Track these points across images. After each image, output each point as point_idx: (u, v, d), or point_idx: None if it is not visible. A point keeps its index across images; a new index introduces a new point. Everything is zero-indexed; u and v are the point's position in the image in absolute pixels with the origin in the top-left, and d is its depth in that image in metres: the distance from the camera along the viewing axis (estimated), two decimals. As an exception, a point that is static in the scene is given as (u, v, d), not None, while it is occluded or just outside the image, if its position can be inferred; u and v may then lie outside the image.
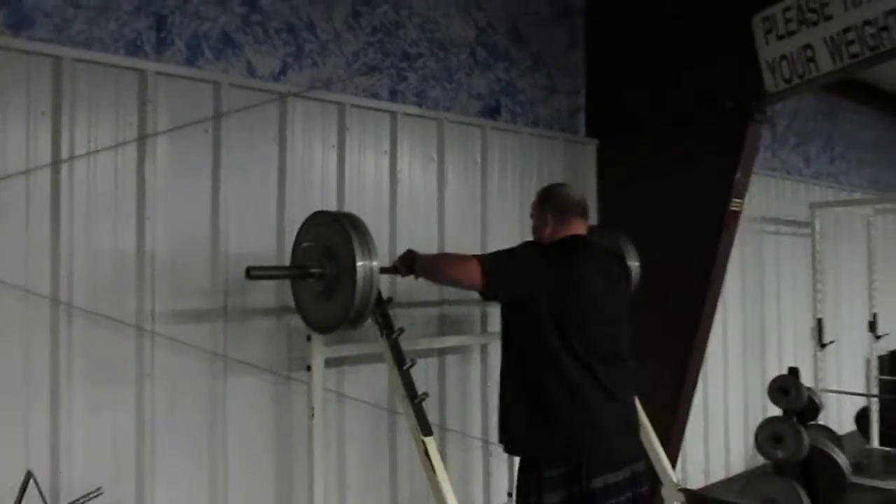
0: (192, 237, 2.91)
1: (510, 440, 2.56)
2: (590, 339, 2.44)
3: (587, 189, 4.44)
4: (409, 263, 2.69)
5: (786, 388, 4.43)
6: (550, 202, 2.68)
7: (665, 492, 3.01)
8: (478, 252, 2.89)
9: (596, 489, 2.35)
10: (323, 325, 2.54)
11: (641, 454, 2.66)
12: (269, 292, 3.10)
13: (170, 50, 2.92)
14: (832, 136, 6.96)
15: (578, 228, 2.65)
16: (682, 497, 2.96)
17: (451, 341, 3.61)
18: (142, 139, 2.77)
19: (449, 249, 3.69)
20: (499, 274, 2.43)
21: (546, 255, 2.51)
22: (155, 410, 2.77)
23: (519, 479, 2.50)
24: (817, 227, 5.82)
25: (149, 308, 2.77)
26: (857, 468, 5.30)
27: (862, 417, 6.29)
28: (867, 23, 3.29)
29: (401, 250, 3.39)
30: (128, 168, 2.75)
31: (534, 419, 2.45)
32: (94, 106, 2.68)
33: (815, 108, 6.69)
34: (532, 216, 2.76)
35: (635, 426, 2.66)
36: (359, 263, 2.33)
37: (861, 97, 7.12)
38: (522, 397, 2.50)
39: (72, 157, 2.62)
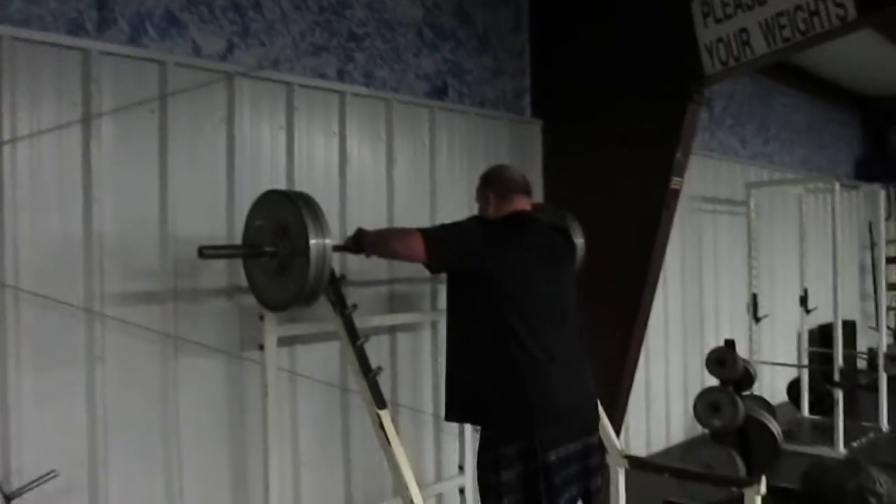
0: (140, 219, 2.89)
1: (456, 408, 2.62)
2: (538, 306, 2.51)
3: (532, 169, 4.53)
4: (358, 241, 2.73)
5: (722, 359, 4.62)
6: (492, 183, 2.77)
7: (610, 459, 3.12)
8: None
9: (550, 463, 2.39)
10: (277, 304, 2.57)
11: (596, 427, 2.69)
12: (219, 273, 3.09)
13: (112, 29, 2.87)
14: (766, 119, 7.21)
15: (521, 205, 2.74)
16: (626, 463, 3.09)
17: (401, 318, 3.66)
18: (86, 120, 2.73)
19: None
20: (442, 244, 2.50)
21: (490, 226, 2.60)
22: (106, 393, 2.76)
23: (479, 458, 2.52)
24: (752, 205, 6.04)
25: (98, 291, 2.74)
26: (789, 435, 5.57)
27: (793, 388, 6.60)
28: (798, 8, 3.43)
29: (351, 229, 3.42)
30: (73, 149, 2.71)
31: (485, 388, 2.48)
32: (36, 86, 2.63)
33: (751, 91, 6.92)
34: (477, 199, 2.84)
35: (591, 396, 2.67)
36: (312, 241, 2.36)
37: (793, 81, 7.39)
38: (469, 365, 2.54)
39: (14, 139, 2.56)
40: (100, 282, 2.76)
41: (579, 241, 3.41)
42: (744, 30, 3.64)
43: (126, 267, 2.84)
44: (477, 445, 2.57)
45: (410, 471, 2.43)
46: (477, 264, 2.49)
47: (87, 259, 2.74)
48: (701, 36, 3.78)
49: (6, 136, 2.55)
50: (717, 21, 3.72)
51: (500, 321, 2.46)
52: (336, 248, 2.62)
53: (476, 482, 2.59)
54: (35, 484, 2.22)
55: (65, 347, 2.68)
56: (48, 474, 2.25)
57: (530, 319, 2.48)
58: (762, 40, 3.58)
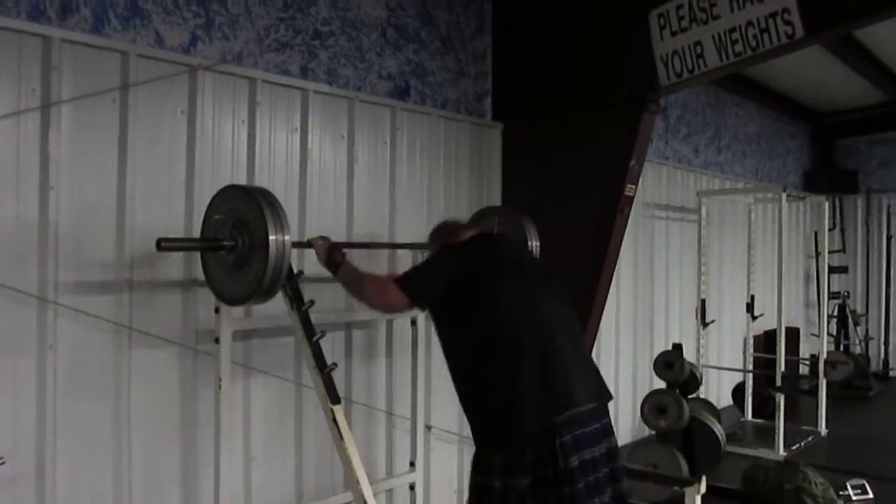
0: (97, 208, 2.87)
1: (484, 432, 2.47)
2: (535, 312, 2.48)
3: (491, 171, 4.62)
4: (331, 262, 2.77)
5: (670, 362, 4.75)
6: (440, 233, 2.97)
7: (558, 457, 3.20)
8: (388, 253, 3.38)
9: (572, 468, 2.31)
10: (233, 298, 2.59)
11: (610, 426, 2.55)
12: (176, 265, 3.09)
13: (74, 17, 2.85)
14: (719, 129, 7.41)
15: (475, 231, 2.90)
16: (573, 461, 3.16)
17: (357, 315, 3.69)
18: (45, 107, 2.71)
19: (358, 227, 3.78)
20: (423, 283, 2.54)
21: (461, 247, 2.69)
22: (57, 382, 2.74)
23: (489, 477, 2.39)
24: (703, 213, 6.21)
25: (52, 279, 2.73)
26: (732, 438, 5.74)
27: (737, 392, 6.80)
28: (750, 24, 3.54)
29: (311, 225, 3.49)
30: (30, 136, 2.69)
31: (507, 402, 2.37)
32: (-5, 71, 2.61)
33: (704, 102, 7.10)
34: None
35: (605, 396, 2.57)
36: (271, 237, 2.39)
37: (746, 92, 7.61)
38: (489, 388, 2.43)
39: (-30, 123, 2.54)
40: (54, 270, 2.74)
41: (535, 244, 3.50)
42: (698, 43, 3.74)
43: (81, 256, 2.83)
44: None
45: (361, 466, 2.47)
46: (466, 282, 2.48)
47: (41, 247, 2.71)
48: (657, 48, 3.88)
49: (-39, 122, 2.53)
50: (673, 34, 3.82)
51: (504, 330, 2.41)
52: (296, 245, 2.66)
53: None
54: (-18, 471, 2.21)
55: (16, 334, 2.66)
56: (-3, 462, 2.24)
57: (533, 326, 2.43)
58: (715, 54, 3.69)
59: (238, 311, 2.90)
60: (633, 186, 4.11)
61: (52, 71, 2.72)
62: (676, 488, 2.99)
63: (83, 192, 2.83)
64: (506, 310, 2.45)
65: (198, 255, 2.82)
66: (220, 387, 2.86)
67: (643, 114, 3.99)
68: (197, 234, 2.80)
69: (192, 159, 3.16)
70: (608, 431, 2.48)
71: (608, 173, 4.10)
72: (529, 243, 3.50)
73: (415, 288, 2.52)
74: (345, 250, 2.86)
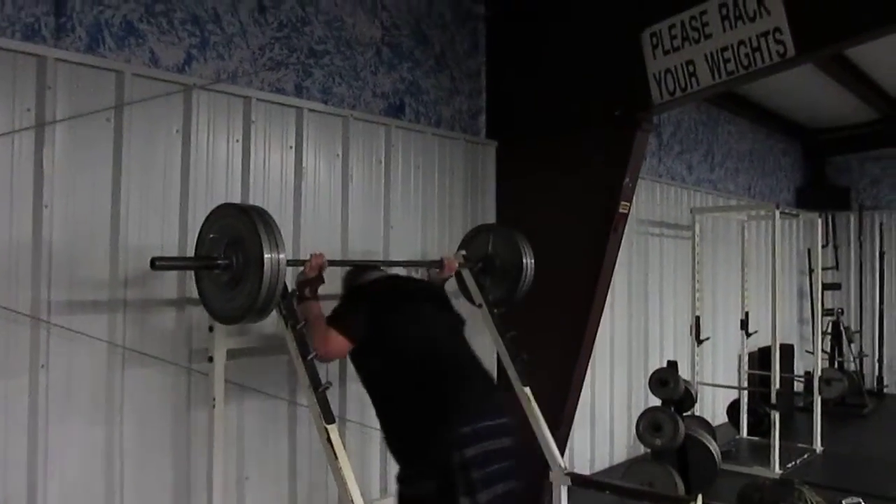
0: (91, 227, 2.87)
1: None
2: (435, 341, 2.82)
3: (486, 188, 4.63)
4: (301, 292, 2.83)
5: (665, 380, 4.74)
6: (346, 283, 3.22)
7: (553, 476, 3.19)
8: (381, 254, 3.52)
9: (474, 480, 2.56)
10: (228, 316, 2.57)
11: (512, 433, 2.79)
12: (170, 284, 3.09)
13: (70, 37, 2.86)
14: (712, 146, 7.45)
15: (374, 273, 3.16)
16: (568, 480, 3.15)
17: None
18: (40, 126, 2.71)
19: (353, 245, 3.79)
20: (349, 322, 2.75)
21: (365, 288, 2.99)
22: (49, 402, 2.72)
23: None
24: (697, 230, 6.23)
25: (45, 298, 2.72)
26: (727, 455, 5.73)
27: (732, 409, 6.78)
28: (741, 43, 3.58)
29: (305, 243, 3.50)
30: (25, 155, 2.69)
31: (414, 425, 2.69)
32: (-11, 91, 2.61)
33: (697, 119, 7.15)
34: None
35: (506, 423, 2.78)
36: (266, 256, 2.38)
37: (738, 110, 7.67)
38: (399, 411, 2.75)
39: (-36, 142, 2.54)
40: (47, 289, 2.73)
41: (530, 261, 3.50)
42: (690, 62, 3.78)
43: (75, 275, 2.82)
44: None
45: (356, 485, 2.45)
46: (377, 319, 2.77)
47: (35, 265, 2.71)
48: (650, 66, 3.91)
49: (-44, 141, 2.53)
50: (666, 52, 3.86)
51: (410, 363, 2.73)
52: (292, 263, 2.66)
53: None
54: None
55: (8, 353, 2.64)
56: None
57: (433, 358, 2.76)
58: (707, 72, 3.72)
59: (232, 329, 2.88)
60: (627, 204, 4.13)
61: (47, 90, 2.73)
62: (672, 507, 2.98)
63: (77, 211, 2.83)
64: (410, 344, 2.76)
65: (192, 273, 2.81)
66: (213, 406, 2.84)
67: (636, 132, 4.02)
68: (191, 252, 2.79)
69: (187, 178, 3.16)
70: (507, 430, 2.74)
71: (602, 191, 4.11)
72: (524, 261, 3.50)
73: (347, 326, 2.74)
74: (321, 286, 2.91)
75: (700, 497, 2.82)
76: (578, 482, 3.16)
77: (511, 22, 4.65)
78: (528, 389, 3.32)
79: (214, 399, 2.84)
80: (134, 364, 2.96)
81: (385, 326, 2.77)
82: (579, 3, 4.25)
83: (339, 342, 2.73)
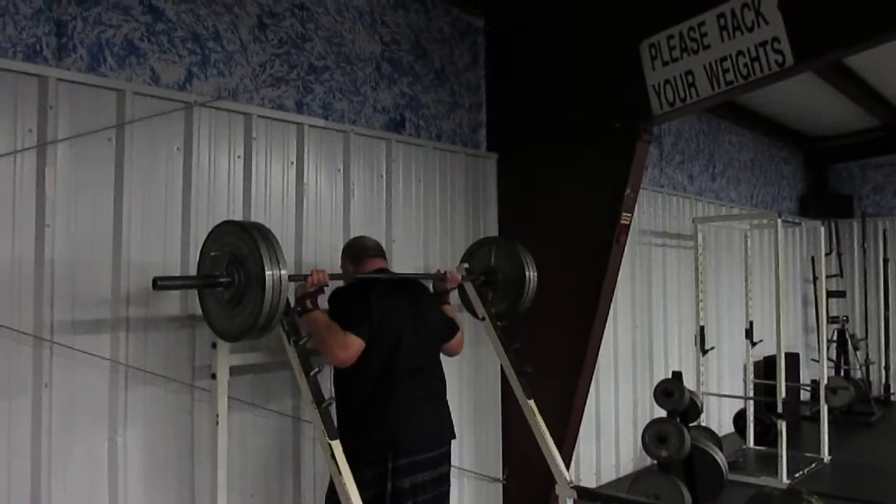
0: (93, 246, 2.87)
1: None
2: (398, 355, 2.85)
3: (487, 201, 4.63)
4: (302, 304, 2.84)
5: (669, 390, 4.72)
6: (348, 251, 3.19)
7: (559, 489, 3.18)
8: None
9: (402, 489, 2.74)
10: (231, 333, 2.58)
11: (448, 458, 3.00)
12: (173, 302, 3.09)
13: (71, 56, 2.88)
14: (714, 156, 7.45)
15: (376, 265, 3.12)
16: (574, 494, 3.14)
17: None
18: (42, 146, 2.72)
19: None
20: (359, 323, 2.78)
21: (355, 292, 2.93)
22: (53, 421, 2.72)
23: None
24: (699, 240, 6.22)
25: (48, 318, 2.72)
26: (734, 466, 5.69)
27: (739, 419, 6.74)
28: (740, 53, 3.59)
29: (307, 259, 3.49)
30: (27, 175, 2.70)
31: (356, 423, 2.82)
32: (-9, 111, 2.63)
33: (698, 129, 7.16)
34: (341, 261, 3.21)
35: (446, 432, 3.01)
36: (268, 272, 2.39)
37: (739, 119, 7.69)
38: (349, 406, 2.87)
39: (-34, 163, 2.55)
40: (50, 308, 2.74)
41: (533, 274, 3.50)
42: (689, 72, 3.78)
43: (78, 294, 2.82)
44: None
45: (360, 501, 2.44)
46: (373, 326, 2.82)
47: (37, 285, 2.71)
48: (649, 77, 3.92)
49: (-42, 161, 2.54)
50: (665, 64, 3.87)
51: (372, 369, 2.80)
52: (294, 279, 2.67)
53: None
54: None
55: (11, 373, 2.64)
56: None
57: (394, 364, 2.83)
58: (707, 83, 3.73)
59: (235, 346, 2.89)
60: (629, 215, 4.13)
61: (49, 110, 2.75)
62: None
63: (79, 230, 2.83)
64: (375, 355, 2.80)
65: (195, 291, 2.81)
66: (217, 423, 2.84)
67: (637, 143, 4.03)
68: (193, 270, 2.79)
69: (189, 195, 3.17)
70: (443, 459, 2.94)
71: (604, 202, 4.12)
72: (527, 273, 3.50)
73: (361, 328, 2.78)
74: (320, 298, 2.91)
75: (706, 509, 2.81)
76: (584, 495, 3.14)
77: (510, 35, 4.67)
78: (532, 402, 3.32)
79: (218, 416, 2.84)
80: (137, 382, 2.96)
81: (375, 331, 2.82)
82: (578, 16, 4.27)
83: (357, 345, 2.75)
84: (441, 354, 3.15)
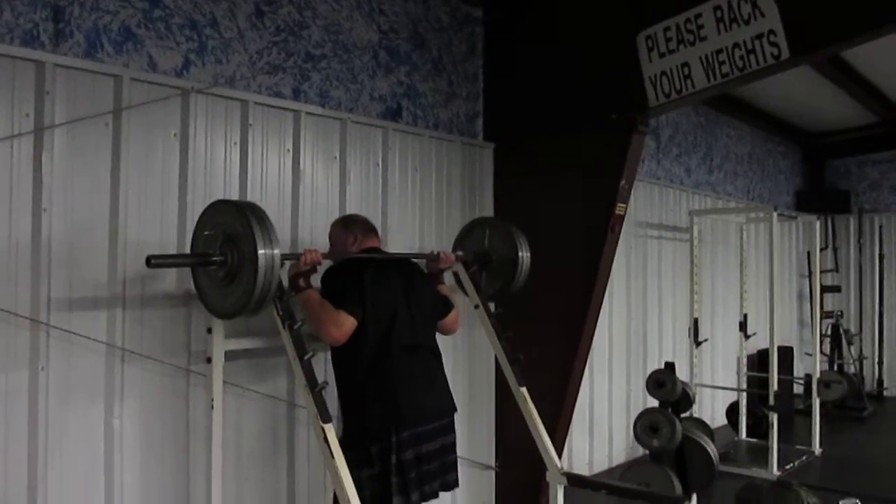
0: (90, 229, 2.90)
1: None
2: (397, 329, 2.90)
3: (483, 190, 4.66)
4: (294, 286, 2.87)
5: (662, 381, 4.76)
6: (355, 226, 3.24)
7: (549, 476, 3.21)
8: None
9: (406, 460, 2.78)
10: (224, 312, 2.61)
11: (452, 429, 3.05)
12: (169, 286, 3.11)
13: (68, 42, 2.89)
14: (711, 149, 7.47)
15: (371, 244, 3.20)
16: (564, 480, 3.17)
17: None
18: (38, 130, 2.74)
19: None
20: (353, 301, 2.82)
21: (348, 271, 2.96)
22: (49, 403, 2.75)
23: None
24: (695, 233, 6.24)
25: (45, 300, 2.75)
26: (726, 457, 5.74)
27: (731, 411, 6.79)
28: (736, 45, 3.60)
29: (302, 245, 3.51)
30: (24, 159, 2.72)
31: (358, 401, 2.88)
32: (-12, 96, 2.64)
33: (696, 122, 7.17)
34: (334, 237, 3.24)
35: (448, 403, 3.07)
36: (261, 251, 2.41)
37: (737, 113, 7.70)
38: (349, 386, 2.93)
39: (-36, 146, 2.57)
40: (47, 291, 2.76)
41: (526, 254, 3.54)
42: (686, 64, 3.80)
43: (74, 276, 2.85)
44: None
45: (352, 484, 2.47)
46: (366, 304, 2.86)
47: (34, 268, 2.74)
48: (646, 69, 3.93)
49: (-44, 144, 2.56)
50: (661, 55, 3.88)
51: (368, 346, 2.84)
52: (287, 258, 2.70)
53: None
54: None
55: (7, 355, 2.67)
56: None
57: (390, 341, 2.87)
58: (703, 75, 3.74)
59: (230, 330, 2.91)
60: (624, 206, 4.15)
61: (46, 96, 2.76)
62: (666, 506, 2.99)
63: (76, 214, 2.85)
64: (371, 332, 2.84)
65: (190, 274, 2.84)
66: (212, 407, 2.86)
67: (633, 134, 4.04)
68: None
69: (185, 181, 3.19)
70: (446, 430, 3.00)
71: (599, 193, 4.13)
72: (520, 253, 3.53)
73: (354, 305, 2.82)
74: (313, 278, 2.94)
75: (694, 497, 2.84)
76: (574, 482, 3.18)
77: (509, 25, 4.68)
78: (524, 390, 3.35)
79: (213, 400, 2.87)
80: (133, 364, 2.99)
81: (367, 309, 2.86)
82: (576, 7, 4.28)
83: (350, 323, 2.80)
84: (437, 333, 3.20)
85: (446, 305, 3.28)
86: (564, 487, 3.20)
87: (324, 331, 2.80)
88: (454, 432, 3.06)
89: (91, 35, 2.96)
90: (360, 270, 2.93)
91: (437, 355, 3.11)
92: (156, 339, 3.06)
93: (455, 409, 3.10)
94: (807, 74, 6.37)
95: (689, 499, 2.82)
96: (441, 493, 2.96)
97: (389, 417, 2.78)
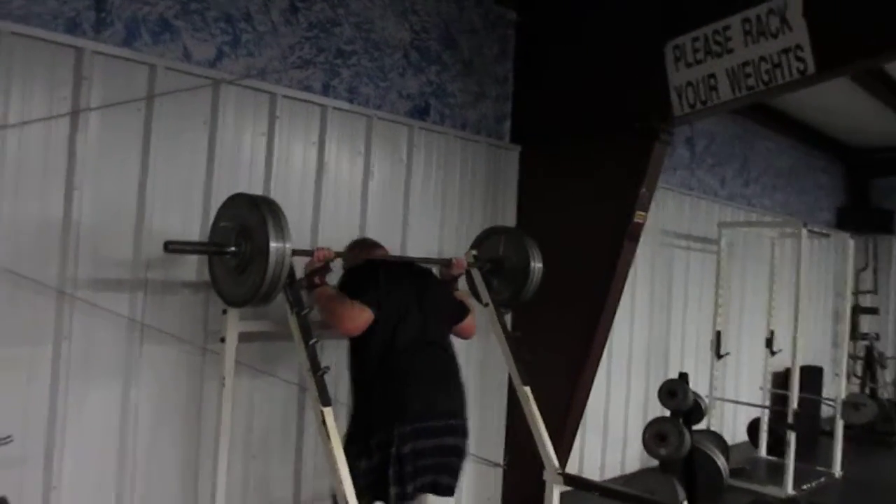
0: (118, 210, 3.05)
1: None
2: (405, 328, 2.93)
3: (508, 192, 4.72)
4: (310, 283, 2.96)
5: (673, 390, 4.76)
6: (363, 242, 3.37)
7: (546, 475, 3.27)
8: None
9: (404, 454, 2.78)
10: (235, 300, 2.72)
11: (462, 431, 3.01)
12: (189, 268, 3.25)
13: (108, 30, 3.04)
14: (748, 160, 7.39)
15: (384, 251, 3.31)
16: (560, 480, 3.22)
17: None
18: (75, 113, 2.90)
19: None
20: (369, 297, 2.87)
21: (363, 269, 3.06)
22: (70, 371, 2.91)
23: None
24: (723, 244, 6.19)
25: (71, 274, 2.90)
26: (741, 473, 5.70)
27: (753, 428, 6.72)
28: (763, 59, 3.61)
29: (324, 236, 3.62)
30: (59, 140, 2.88)
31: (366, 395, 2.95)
32: (29, 78, 2.80)
33: (733, 133, 7.10)
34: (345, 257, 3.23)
35: (449, 411, 3.00)
36: (273, 245, 2.52)
37: (778, 126, 7.58)
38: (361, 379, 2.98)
39: (4, 126, 2.73)
40: (74, 266, 2.92)
41: (537, 264, 3.59)
42: (712, 75, 3.81)
43: (100, 254, 3.00)
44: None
45: (346, 466, 2.56)
46: (381, 302, 2.90)
47: (63, 244, 2.90)
48: (672, 78, 3.96)
49: (-2, 123, 2.73)
50: (688, 65, 3.90)
51: (379, 341, 2.88)
52: (297, 253, 2.79)
53: None
54: (-9, 446, 2.37)
55: (34, 324, 2.83)
56: (4, 439, 2.39)
57: (400, 337, 2.91)
58: (728, 86, 3.76)
59: (245, 313, 3.03)
60: (644, 214, 4.18)
61: (84, 80, 2.91)
62: (659, 512, 3.02)
63: (106, 195, 3.01)
64: (382, 328, 2.88)
65: (206, 259, 2.96)
66: (223, 384, 2.98)
67: (655, 143, 4.07)
68: (208, 238, 2.94)
69: (212, 168, 3.32)
70: (453, 431, 2.95)
71: (619, 200, 4.17)
72: (532, 264, 3.58)
73: (370, 298, 2.88)
74: (328, 274, 3.03)
75: (686, 504, 2.87)
76: (570, 482, 3.23)
77: (540, 28, 4.73)
78: (527, 389, 3.40)
79: (224, 378, 2.99)
80: (152, 341, 3.13)
81: (381, 307, 2.90)
82: (607, 13, 4.31)
83: (366, 315, 2.84)
84: (453, 337, 3.22)
85: (460, 310, 3.30)
86: (569, 491, 3.24)
87: (339, 322, 2.86)
88: (463, 437, 3.00)
89: (130, 24, 3.11)
90: (376, 269, 3.02)
91: (451, 356, 3.11)
92: (174, 317, 3.21)
93: (463, 413, 3.04)
94: (850, 89, 6.27)
95: (681, 506, 2.85)
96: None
97: (394, 411, 2.81)
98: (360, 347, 2.95)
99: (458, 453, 2.99)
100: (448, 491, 2.95)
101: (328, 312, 2.91)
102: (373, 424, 2.84)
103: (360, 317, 2.84)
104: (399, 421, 2.80)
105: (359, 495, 2.57)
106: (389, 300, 2.92)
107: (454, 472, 2.98)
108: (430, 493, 2.91)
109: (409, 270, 3.19)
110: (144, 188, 3.11)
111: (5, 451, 2.45)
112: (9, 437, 2.42)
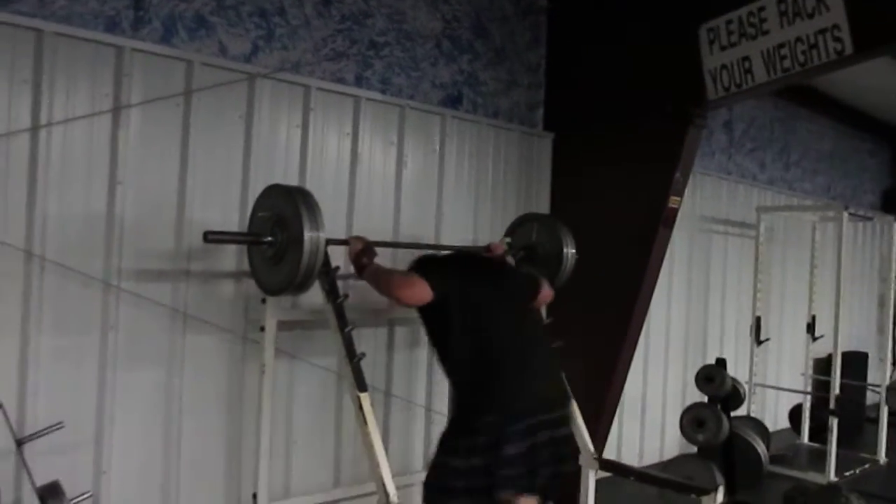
0: (159, 203, 3.14)
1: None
2: (494, 321, 2.84)
3: (541, 179, 4.72)
4: (358, 264, 2.96)
5: (711, 376, 4.74)
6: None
7: (582, 460, 3.29)
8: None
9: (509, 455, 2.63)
10: (272, 288, 2.80)
11: (566, 421, 2.91)
12: (229, 258, 3.33)
13: (146, 28, 3.13)
14: (788, 144, 7.26)
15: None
16: (596, 465, 3.25)
17: (399, 312, 3.81)
18: (116, 110, 2.99)
19: (404, 229, 3.96)
20: (435, 276, 2.79)
21: (439, 260, 3.09)
22: (117, 360, 3.02)
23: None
24: (762, 229, 6.11)
25: (116, 266, 3.00)
26: (781, 459, 5.64)
27: (794, 414, 6.64)
28: (798, 40, 3.55)
29: (358, 225, 3.68)
30: (102, 136, 2.98)
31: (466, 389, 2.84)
32: (73, 77, 2.90)
33: (773, 116, 6.99)
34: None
35: (562, 393, 2.96)
36: (307, 234, 2.58)
37: (820, 108, 7.41)
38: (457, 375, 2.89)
39: (49, 124, 2.84)
40: (118, 258, 3.02)
41: (570, 251, 3.60)
42: (746, 58, 3.77)
43: (143, 246, 3.10)
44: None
45: (383, 450, 2.62)
46: (452, 286, 2.83)
47: (107, 237, 3.00)
48: (706, 62, 3.92)
49: (43, 121, 2.83)
50: (722, 48, 3.85)
51: (472, 334, 2.78)
52: (332, 242, 2.84)
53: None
54: (44, 432, 2.47)
55: (82, 315, 2.94)
56: (55, 425, 2.49)
57: (491, 332, 2.81)
58: (763, 69, 3.71)
59: (284, 301, 3.11)
60: (678, 199, 4.15)
61: (124, 77, 3.01)
62: (693, 496, 3.03)
63: (148, 189, 3.10)
64: (482, 323, 2.80)
65: (246, 248, 3.04)
66: (263, 372, 3.06)
67: (689, 127, 4.03)
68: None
69: (248, 160, 3.40)
70: (556, 423, 2.80)
71: (653, 185, 4.15)
72: (565, 250, 3.60)
73: (427, 272, 2.82)
74: (377, 251, 3.03)
75: (721, 490, 2.87)
76: (605, 467, 3.25)
77: (572, 15, 4.71)
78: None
79: (264, 366, 3.07)
80: (194, 330, 3.23)
81: (455, 293, 2.81)
82: (639, -2, 4.29)
83: (422, 285, 2.74)
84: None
85: (533, 280, 3.24)
86: (607, 477, 3.27)
87: (394, 290, 2.79)
88: (567, 426, 2.91)
89: (168, 22, 3.20)
90: (445, 258, 3.10)
91: (540, 341, 3.01)
92: (216, 306, 3.29)
93: (567, 400, 2.98)
94: (892, 66, 6.11)
95: (716, 489, 2.85)
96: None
97: (497, 409, 2.67)
98: (448, 346, 2.87)
99: (567, 442, 2.91)
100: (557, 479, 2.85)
101: (383, 284, 2.85)
102: (478, 423, 2.67)
103: (416, 284, 2.75)
104: (503, 419, 2.65)
105: (459, 496, 2.59)
106: (468, 294, 2.83)
107: (566, 458, 2.90)
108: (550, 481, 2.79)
109: (474, 261, 3.24)
110: (185, 181, 3.20)
111: (56, 438, 2.55)
112: (60, 423, 2.52)
